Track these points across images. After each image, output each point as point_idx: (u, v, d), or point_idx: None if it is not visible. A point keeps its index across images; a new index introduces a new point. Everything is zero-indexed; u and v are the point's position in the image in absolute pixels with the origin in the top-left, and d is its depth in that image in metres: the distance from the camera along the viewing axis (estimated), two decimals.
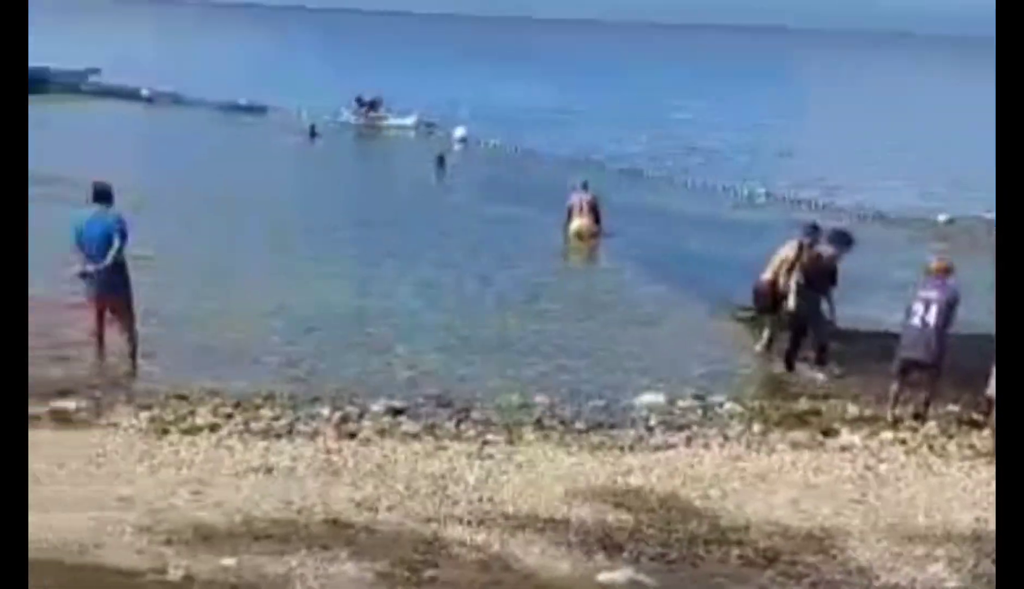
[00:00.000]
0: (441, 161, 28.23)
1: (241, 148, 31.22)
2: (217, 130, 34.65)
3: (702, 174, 27.74)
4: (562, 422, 10.20)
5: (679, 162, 30.79)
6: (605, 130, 38.60)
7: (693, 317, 14.56)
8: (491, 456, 8.98)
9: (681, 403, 10.90)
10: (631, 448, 9.47)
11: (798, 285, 12.01)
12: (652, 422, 10.28)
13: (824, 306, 12.07)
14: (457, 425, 9.89)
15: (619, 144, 34.70)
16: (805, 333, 12.14)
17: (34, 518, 6.51)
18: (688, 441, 9.71)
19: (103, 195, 11.11)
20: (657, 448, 9.49)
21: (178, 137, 32.36)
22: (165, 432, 9.16)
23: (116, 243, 10.94)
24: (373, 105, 37.52)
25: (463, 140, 32.86)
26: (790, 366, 12.16)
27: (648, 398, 11.01)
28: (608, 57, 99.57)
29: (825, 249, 12.26)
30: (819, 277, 12.02)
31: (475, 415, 10.22)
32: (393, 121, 36.99)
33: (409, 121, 36.72)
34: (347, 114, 37.33)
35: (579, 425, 10.11)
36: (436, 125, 35.84)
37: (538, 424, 10.07)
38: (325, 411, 10.05)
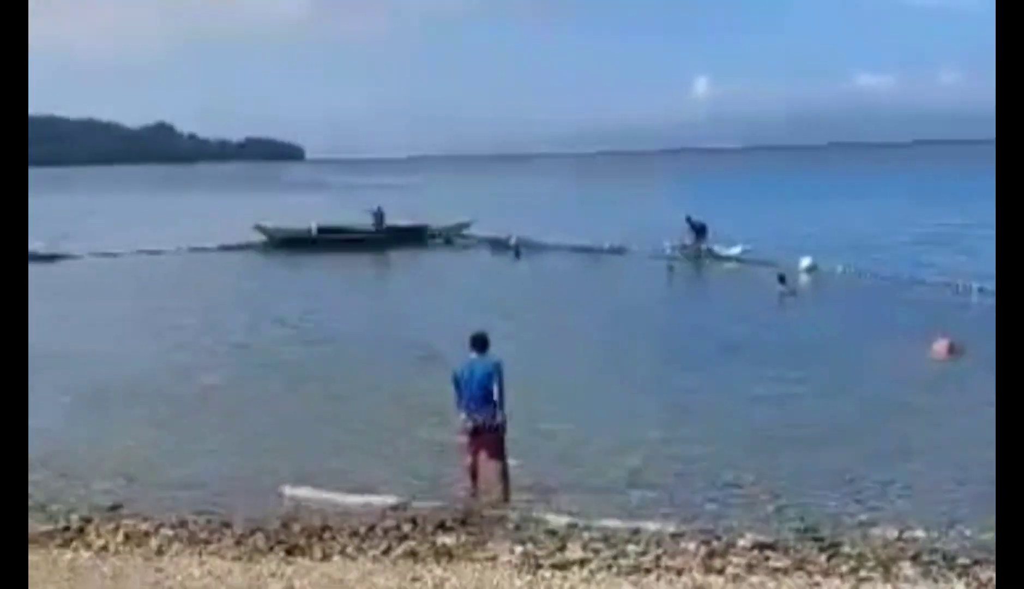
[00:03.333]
0: (782, 279, 28.08)
1: (603, 287, 32.30)
2: (580, 273, 36.03)
3: None
4: (944, 556, 9.60)
5: None
6: (963, 246, 36.68)
7: None
8: None
9: None
10: None
11: None
12: None
13: None
14: (828, 560, 9.55)
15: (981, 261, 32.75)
16: None
17: None
18: None
19: (480, 343, 11.85)
20: None
21: (545, 281, 33.96)
22: (538, 566, 9.48)
23: (494, 388, 11.61)
24: (701, 230, 38.15)
25: (811, 269, 32.15)
26: None
27: None
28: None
29: None
30: None
31: (847, 549, 9.84)
32: (723, 251, 37.35)
33: (735, 250, 36.97)
34: (679, 245, 38.16)
35: (963, 559, 9.47)
36: (748, 251, 36.09)
37: (916, 558, 9.54)
38: (691, 545, 10.04)
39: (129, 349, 21.73)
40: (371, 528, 10.74)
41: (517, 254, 41.00)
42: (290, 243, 44.51)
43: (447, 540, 10.31)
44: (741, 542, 10.04)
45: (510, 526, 10.92)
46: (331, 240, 44.21)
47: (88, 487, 12.39)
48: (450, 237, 46.21)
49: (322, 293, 31.55)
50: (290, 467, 13.01)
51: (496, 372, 11.62)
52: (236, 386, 18.14)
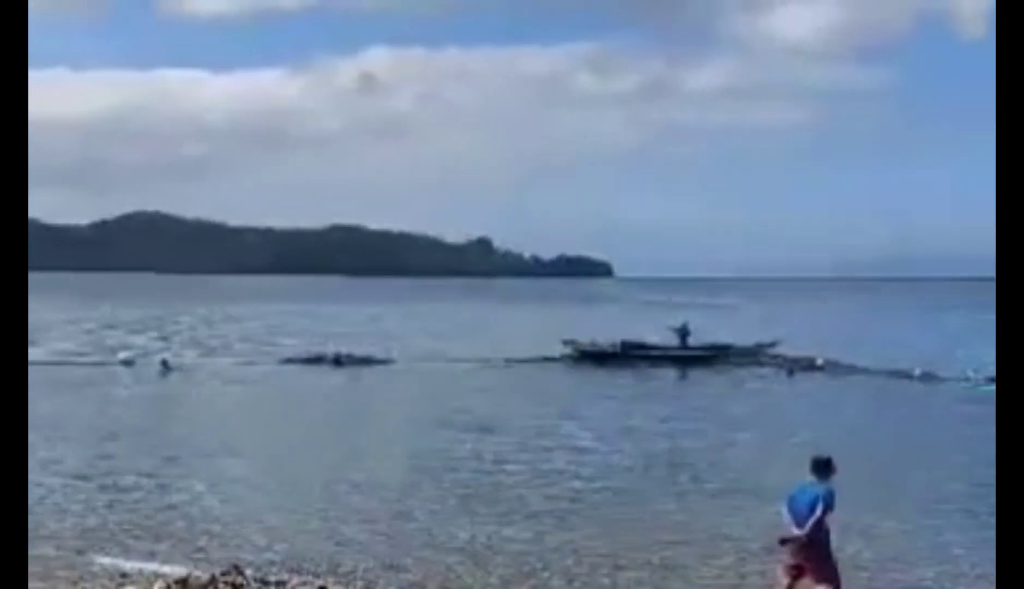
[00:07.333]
0: None
1: (910, 413, 31.27)
2: (885, 399, 34.95)
3: None
4: None
5: None
6: None
7: None
8: None
9: None
10: None
11: None
12: None
13: None
14: None
15: None
16: None
17: None
18: None
19: (820, 468, 11.29)
20: None
21: (855, 406, 33.20)
22: None
23: (817, 513, 10.98)
24: None
25: None
26: None
27: None
28: None
29: None
30: None
31: None
32: None
33: None
34: (986, 377, 36.22)
35: None
36: None
37: None
38: None
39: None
40: None
41: (790, 373, 41.26)
42: (595, 358, 45.65)
43: None
44: None
45: None
46: (634, 356, 45.03)
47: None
48: (755, 356, 45.86)
49: (619, 405, 32.29)
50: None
51: (825, 498, 11.01)
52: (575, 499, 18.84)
